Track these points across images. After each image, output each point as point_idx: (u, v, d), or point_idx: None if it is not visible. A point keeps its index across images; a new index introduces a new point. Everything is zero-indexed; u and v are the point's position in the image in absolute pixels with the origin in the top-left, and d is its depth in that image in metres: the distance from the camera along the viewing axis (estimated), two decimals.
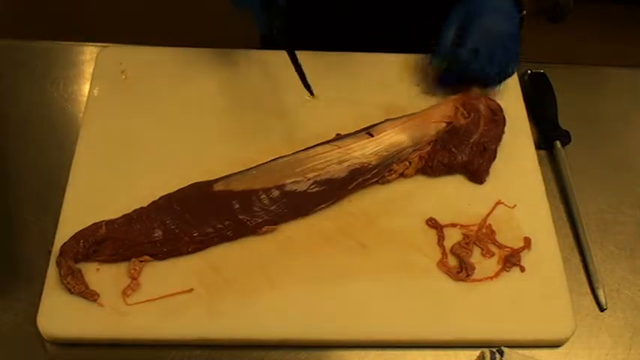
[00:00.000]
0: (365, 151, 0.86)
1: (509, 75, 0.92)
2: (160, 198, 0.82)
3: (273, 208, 0.82)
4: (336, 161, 0.85)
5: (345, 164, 0.85)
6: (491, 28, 0.88)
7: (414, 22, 0.96)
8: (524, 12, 0.92)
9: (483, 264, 0.81)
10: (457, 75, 0.90)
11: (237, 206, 0.81)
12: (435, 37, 0.90)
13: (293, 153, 0.86)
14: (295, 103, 0.93)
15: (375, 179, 0.86)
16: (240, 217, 0.81)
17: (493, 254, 0.82)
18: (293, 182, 0.83)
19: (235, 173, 0.84)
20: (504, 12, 0.89)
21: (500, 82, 0.92)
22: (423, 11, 0.99)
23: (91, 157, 0.87)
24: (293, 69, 0.87)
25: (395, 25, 1.06)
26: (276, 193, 0.82)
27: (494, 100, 0.92)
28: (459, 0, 0.90)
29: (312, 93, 0.87)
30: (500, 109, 0.92)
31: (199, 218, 0.80)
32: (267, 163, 0.85)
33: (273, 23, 0.85)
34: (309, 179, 0.83)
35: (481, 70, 0.88)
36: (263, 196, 0.82)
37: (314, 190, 0.83)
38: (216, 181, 0.83)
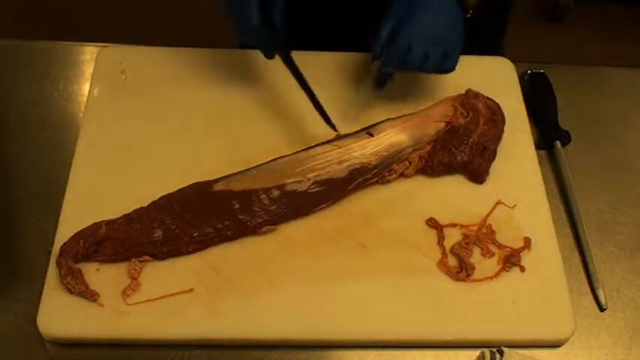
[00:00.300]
0: (365, 151, 0.86)
1: (448, 70, 0.88)
2: (160, 198, 0.82)
3: (273, 208, 0.82)
4: (336, 161, 0.85)
5: (345, 164, 0.85)
6: (426, 25, 0.86)
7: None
8: (470, 12, 0.89)
9: (483, 264, 0.81)
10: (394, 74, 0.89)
11: (237, 206, 0.81)
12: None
13: (293, 153, 0.86)
14: (295, 103, 0.93)
15: (375, 179, 0.86)
16: (240, 217, 0.81)
17: (493, 254, 0.82)
18: (293, 182, 0.83)
19: (235, 173, 0.84)
20: (443, 10, 0.87)
21: (443, 73, 0.89)
22: None
23: (91, 157, 0.87)
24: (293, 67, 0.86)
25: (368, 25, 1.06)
26: (276, 193, 0.82)
27: (493, 100, 0.92)
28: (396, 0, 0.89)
29: (335, 129, 0.88)
30: (499, 108, 0.92)
31: (199, 218, 0.80)
32: (267, 163, 0.85)
33: (281, 55, 0.87)
34: (309, 179, 0.83)
35: (419, 67, 0.86)
36: (263, 196, 0.82)
37: (314, 190, 0.83)
38: (217, 181, 0.83)
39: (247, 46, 0.88)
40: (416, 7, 0.86)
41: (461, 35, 0.88)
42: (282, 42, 0.85)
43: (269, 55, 0.87)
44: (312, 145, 0.87)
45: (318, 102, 0.89)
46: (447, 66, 0.87)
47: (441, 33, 0.86)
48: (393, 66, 0.86)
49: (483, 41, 0.98)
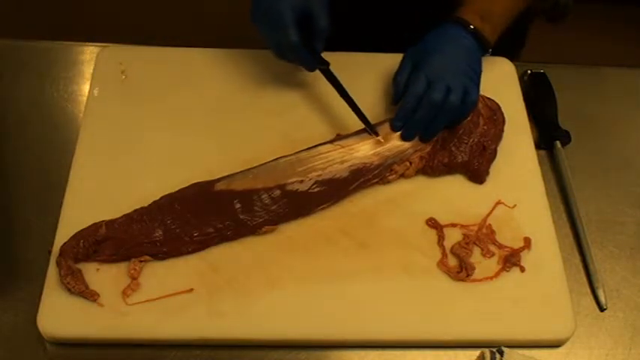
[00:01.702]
0: (366, 151, 0.86)
1: (473, 104, 0.87)
2: (161, 198, 0.82)
3: (274, 207, 0.82)
4: (338, 161, 0.85)
5: (347, 164, 0.85)
6: (445, 61, 0.86)
7: (413, 22, 0.96)
8: (490, 51, 0.90)
9: (483, 264, 0.81)
10: (424, 116, 0.85)
11: (238, 206, 0.81)
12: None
13: (295, 152, 0.86)
14: (295, 103, 0.93)
15: (376, 179, 0.86)
16: (241, 217, 0.81)
17: (493, 254, 0.82)
18: (295, 182, 0.83)
19: (237, 173, 0.84)
20: (461, 47, 0.87)
21: (466, 111, 0.87)
22: (423, 11, 0.99)
23: (91, 157, 0.87)
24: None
25: (395, 25, 1.06)
26: (277, 192, 0.82)
27: (493, 100, 0.92)
28: (411, 43, 0.90)
29: (376, 134, 0.87)
30: (499, 108, 0.92)
31: (200, 218, 0.80)
32: (268, 162, 0.85)
33: (321, 69, 0.89)
34: (310, 179, 0.83)
35: (442, 101, 0.83)
36: (264, 195, 0.82)
37: (315, 190, 0.83)
38: (218, 180, 0.83)
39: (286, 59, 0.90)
40: (433, 46, 0.87)
41: (479, 72, 0.88)
42: (320, 56, 0.88)
43: (311, 70, 0.89)
44: (314, 145, 0.87)
45: (360, 110, 0.89)
46: (470, 97, 0.86)
47: (460, 67, 0.86)
48: (413, 105, 0.85)
49: (503, 51, 0.99)
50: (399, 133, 0.87)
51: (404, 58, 0.91)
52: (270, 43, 0.87)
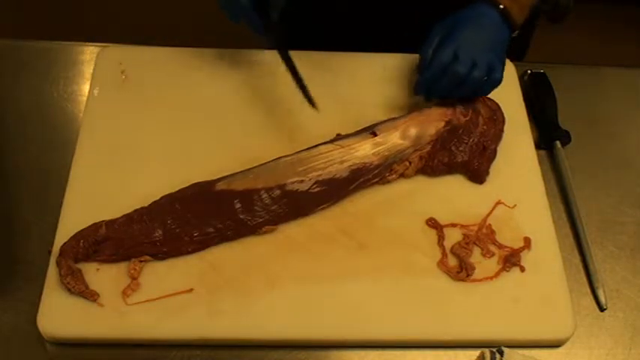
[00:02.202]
0: (366, 150, 0.86)
1: (497, 81, 0.88)
2: (162, 197, 0.82)
3: (274, 207, 0.82)
4: (337, 161, 0.85)
5: (347, 164, 0.85)
6: (473, 36, 0.86)
7: (413, 22, 0.96)
8: (517, 32, 0.90)
9: (483, 264, 0.81)
10: (445, 86, 0.87)
11: (238, 206, 0.81)
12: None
13: (295, 152, 0.86)
14: (295, 103, 0.93)
15: (376, 179, 0.86)
16: (242, 216, 0.81)
17: (493, 254, 0.82)
18: (295, 182, 0.83)
19: (237, 173, 0.84)
20: (489, 24, 0.88)
21: (489, 88, 0.89)
22: (423, 11, 0.99)
23: (91, 157, 0.87)
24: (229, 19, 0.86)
25: (395, 25, 1.06)
26: (277, 192, 0.82)
27: (492, 100, 0.92)
28: (441, 17, 0.90)
29: (314, 105, 0.87)
30: (499, 108, 0.92)
31: (200, 218, 0.80)
32: (268, 162, 0.85)
33: (270, 36, 0.87)
34: (310, 179, 0.83)
35: (466, 74, 0.85)
36: (265, 195, 0.82)
37: (315, 190, 0.83)
38: (218, 180, 0.83)
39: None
40: (463, 21, 0.87)
41: (504, 51, 0.88)
42: (274, 25, 0.85)
43: (261, 34, 0.86)
44: (314, 144, 0.87)
45: (301, 78, 0.88)
46: (494, 77, 0.86)
47: (487, 44, 0.86)
48: (438, 71, 0.86)
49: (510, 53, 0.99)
50: (397, 132, 0.87)
51: (432, 31, 0.90)
52: (221, 4, 0.85)
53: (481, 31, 0.87)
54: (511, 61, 1.00)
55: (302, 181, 0.83)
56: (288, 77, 0.88)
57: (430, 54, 0.88)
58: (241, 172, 0.84)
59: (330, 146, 0.86)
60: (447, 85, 0.86)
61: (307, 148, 0.86)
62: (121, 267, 0.78)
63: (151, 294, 0.77)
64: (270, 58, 0.97)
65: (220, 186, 0.83)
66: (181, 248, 0.79)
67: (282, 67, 0.89)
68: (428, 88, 0.88)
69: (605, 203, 0.91)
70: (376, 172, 0.85)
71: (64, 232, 0.79)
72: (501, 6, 0.88)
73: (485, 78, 0.86)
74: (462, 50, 0.85)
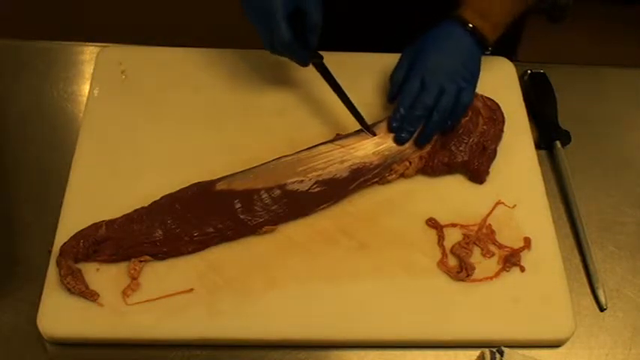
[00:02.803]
0: (367, 150, 0.86)
1: (466, 104, 0.87)
2: (162, 198, 0.82)
3: (274, 207, 0.82)
4: (338, 161, 0.85)
5: (347, 164, 0.85)
6: (441, 60, 0.86)
7: (414, 22, 0.96)
8: (490, 49, 0.90)
9: (483, 264, 0.81)
10: (417, 117, 0.85)
11: (238, 205, 0.81)
12: None
13: (295, 152, 0.86)
14: (295, 103, 0.93)
15: (376, 179, 0.86)
16: (242, 216, 0.81)
17: (493, 254, 0.82)
18: (295, 182, 0.83)
19: (237, 173, 0.84)
20: (458, 45, 0.87)
21: (461, 111, 0.87)
22: (423, 11, 0.99)
23: (91, 157, 0.87)
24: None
25: (395, 25, 1.06)
26: (277, 192, 0.82)
27: (492, 99, 0.92)
28: (410, 41, 0.90)
29: (371, 132, 0.87)
30: (499, 108, 0.92)
31: (201, 218, 0.80)
32: (269, 162, 0.85)
33: (316, 63, 0.88)
34: (310, 179, 0.83)
35: (435, 103, 0.84)
36: (265, 195, 0.82)
37: (316, 190, 0.83)
38: (219, 180, 0.83)
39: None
40: (430, 46, 0.87)
41: (476, 70, 0.88)
42: (314, 52, 0.87)
43: (305, 65, 0.88)
44: (314, 144, 0.87)
45: (355, 107, 0.89)
46: (463, 99, 0.86)
47: (456, 67, 0.86)
48: (408, 105, 0.85)
49: (499, 47, 0.99)
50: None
51: (401, 56, 0.91)
52: (262, 39, 0.86)
53: (449, 55, 0.86)
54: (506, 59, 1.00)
55: (302, 181, 0.83)
56: (287, 77, 0.88)
57: (399, 82, 0.88)
58: (241, 172, 0.84)
59: (330, 146, 0.86)
60: (420, 117, 0.85)
61: (307, 148, 0.86)
62: (121, 267, 0.78)
63: (151, 294, 0.77)
64: (270, 58, 0.97)
65: (221, 186, 0.83)
66: (181, 248, 0.79)
67: (282, 68, 0.89)
68: (402, 121, 0.86)
69: (605, 203, 0.91)
70: (376, 172, 0.86)
71: (64, 232, 0.79)
72: (470, 25, 0.87)
73: (454, 104, 0.85)
74: (429, 77, 0.85)
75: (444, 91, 0.84)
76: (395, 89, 0.89)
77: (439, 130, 0.87)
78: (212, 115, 0.92)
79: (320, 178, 0.84)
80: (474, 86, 0.88)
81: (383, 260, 0.81)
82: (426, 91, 0.84)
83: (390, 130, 0.87)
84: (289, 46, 0.84)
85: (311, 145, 0.86)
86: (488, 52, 0.90)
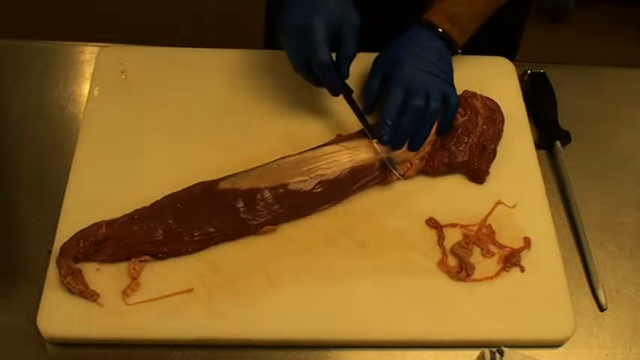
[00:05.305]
0: (370, 152, 0.85)
1: (456, 105, 0.87)
2: (163, 197, 0.82)
3: (276, 207, 0.82)
4: (341, 161, 0.85)
5: (350, 165, 0.85)
6: (418, 68, 0.85)
7: (414, 22, 0.96)
8: (459, 51, 0.90)
9: (483, 264, 0.81)
10: (408, 124, 0.84)
11: (241, 205, 0.81)
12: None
13: (299, 152, 0.86)
14: (295, 103, 0.93)
15: (377, 180, 0.86)
16: (243, 216, 0.81)
17: (493, 254, 0.82)
18: (298, 181, 0.83)
19: (240, 172, 0.84)
20: (432, 53, 0.87)
21: (451, 114, 0.87)
22: (423, 11, 0.99)
23: (91, 157, 0.87)
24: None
25: (395, 25, 1.06)
26: (280, 192, 0.82)
27: (492, 99, 0.92)
28: (381, 51, 0.89)
29: (401, 176, 0.86)
30: (499, 108, 0.92)
31: (202, 217, 0.80)
32: (272, 162, 0.85)
33: (346, 94, 0.88)
34: (313, 179, 0.83)
35: (425, 107, 0.84)
36: (267, 194, 0.82)
37: (318, 190, 0.83)
38: (222, 179, 0.83)
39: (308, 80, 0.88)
40: (403, 54, 0.87)
41: (451, 72, 0.88)
42: (344, 84, 0.87)
43: (336, 94, 0.87)
44: (314, 144, 0.87)
45: (367, 121, 0.88)
46: (452, 101, 0.86)
47: (434, 72, 0.86)
48: (393, 115, 0.84)
49: (499, 43, 0.98)
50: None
51: (373, 66, 0.90)
52: (295, 60, 0.85)
53: (425, 60, 0.86)
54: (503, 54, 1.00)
55: (305, 181, 0.83)
56: (288, 77, 0.88)
57: (374, 93, 0.88)
58: (245, 171, 0.84)
59: (335, 147, 0.86)
60: (411, 123, 0.84)
61: (312, 148, 0.86)
62: (121, 267, 0.78)
63: (151, 294, 0.77)
64: (271, 58, 0.98)
65: (224, 185, 0.82)
66: (181, 248, 0.79)
67: (282, 68, 0.89)
68: (391, 131, 0.85)
69: (605, 203, 0.91)
70: (377, 173, 0.86)
71: (64, 232, 0.79)
72: (440, 29, 0.88)
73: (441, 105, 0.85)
74: (411, 84, 0.84)
75: (429, 96, 0.84)
76: (372, 100, 0.89)
77: (429, 133, 0.87)
78: (212, 114, 0.92)
79: (323, 179, 0.84)
80: (454, 87, 0.88)
81: (383, 260, 0.81)
82: (413, 96, 0.84)
83: (381, 142, 0.85)
84: (328, 69, 0.82)
85: (311, 145, 0.86)
86: (458, 54, 0.90)
